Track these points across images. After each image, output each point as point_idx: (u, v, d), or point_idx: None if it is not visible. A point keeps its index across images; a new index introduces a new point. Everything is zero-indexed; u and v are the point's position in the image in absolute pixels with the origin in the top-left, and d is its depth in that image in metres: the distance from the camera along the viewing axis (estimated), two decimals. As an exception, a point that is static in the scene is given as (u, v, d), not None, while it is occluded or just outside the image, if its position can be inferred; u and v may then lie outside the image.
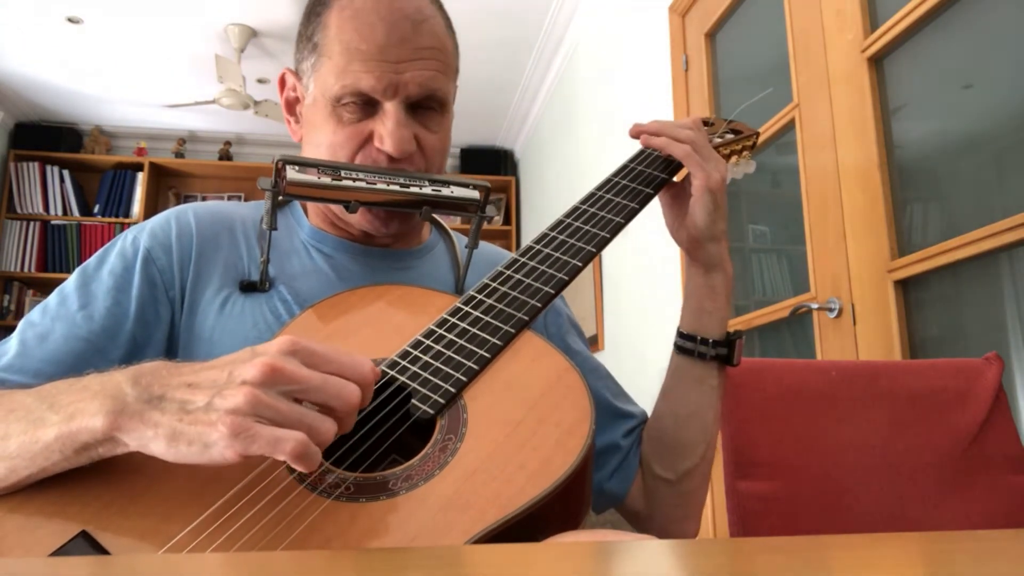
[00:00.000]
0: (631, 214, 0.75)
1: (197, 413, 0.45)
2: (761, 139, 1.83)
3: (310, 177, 0.68)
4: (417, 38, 0.72)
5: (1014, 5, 1.24)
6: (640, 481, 0.80)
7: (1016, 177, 1.24)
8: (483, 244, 0.85)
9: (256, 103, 3.86)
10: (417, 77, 0.72)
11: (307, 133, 0.78)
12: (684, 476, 0.77)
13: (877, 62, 1.48)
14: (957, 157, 1.39)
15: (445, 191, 0.73)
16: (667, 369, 0.80)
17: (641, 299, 2.50)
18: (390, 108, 0.72)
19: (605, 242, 0.72)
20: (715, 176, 0.74)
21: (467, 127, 4.67)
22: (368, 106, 0.72)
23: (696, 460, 0.77)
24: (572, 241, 0.72)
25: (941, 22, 1.36)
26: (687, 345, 0.78)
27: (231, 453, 0.44)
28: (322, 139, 0.74)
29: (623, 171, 0.80)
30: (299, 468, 0.45)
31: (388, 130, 0.71)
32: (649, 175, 0.78)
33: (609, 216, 0.74)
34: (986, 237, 1.19)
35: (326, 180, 0.69)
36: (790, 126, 1.75)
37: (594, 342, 2.90)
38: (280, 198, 0.70)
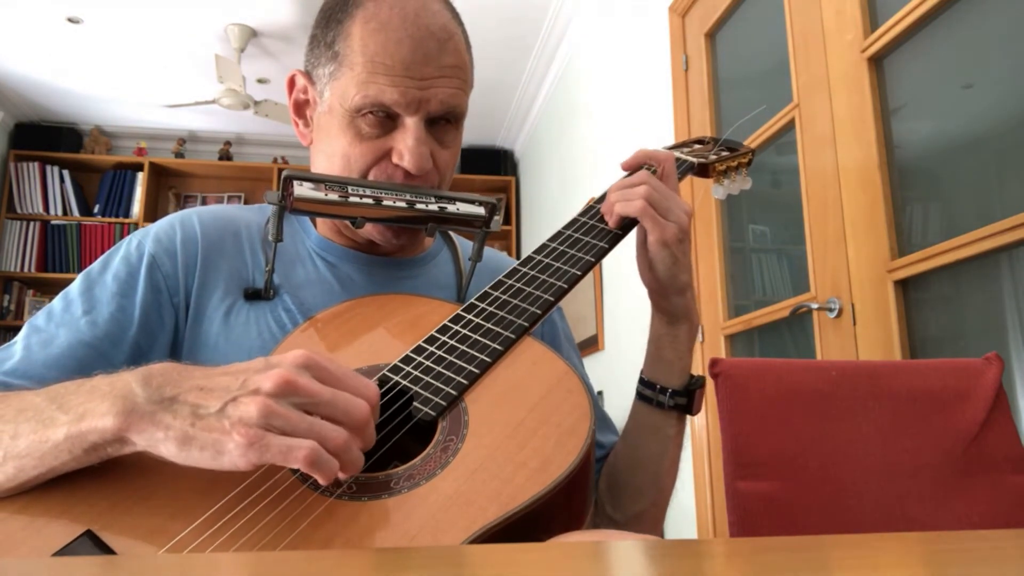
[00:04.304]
0: (630, 224, 0.75)
1: (209, 419, 0.46)
2: (761, 139, 1.84)
3: (317, 194, 0.68)
4: (442, 56, 0.71)
5: (1014, 5, 1.24)
6: (592, 514, 0.78)
7: (1016, 177, 1.24)
8: (486, 250, 0.85)
9: (256, 103, 3.86)
10: (440, 94, 0.71)
11: (319, 140, 0.77)
12: (632, 519, 0.76)
13: (877, 62, 1.49)
14: (957, 157, 1.39)
15: (451, 207, 0.73)
16: (630, 410, 0.79)
17: (641, 299, 2.49)
18: (411, 124, 0.71)
19: (604, 252, 0.73)
20: (670, 230, 0.71)
21: (467, 127, 4.62)
22: (387, 119, 0.72)
23: (645, 506, 0.76)
24: (571, 251, 0.73)
25: (941, 22, 1.36)
26: (646, 392, 0.76)
27: (244, 462, 0.45)
28: (336, 149, 0.73)
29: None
30: (315, 476, 0.46)
31: (408, 147, 0.71)
32: None
33: (607, 227, 0.75)
34: (986, 237, 1.19)
35: (333, 197, 0.69)
36: (790, 126, 1.75)
37: (594, 342, 2.90)
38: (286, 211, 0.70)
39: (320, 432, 0.46)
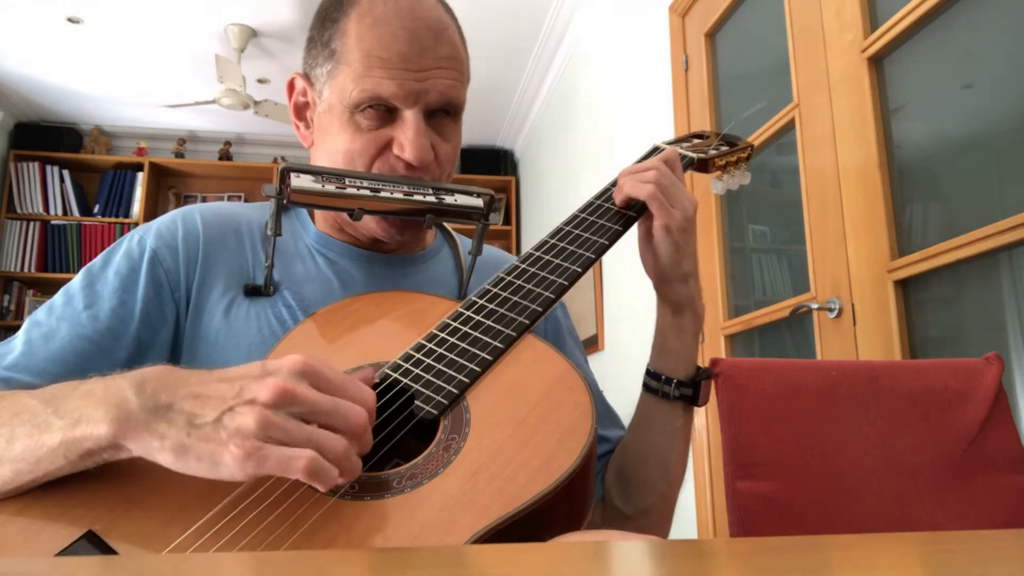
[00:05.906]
0: (630, 221, 0.75)
1: (206, 429, 0.45)
2: (761, 139, 1.84)
3: (314, 185, 0.68)
4: (437, 48, 0.72)
5: (1014, 5, 1.24)
6: (601, 509, 0.78)
7: (1016, 177, 1.24)
8: (486, 247, 0.85)
9: (256, 103, 3.86)
10: (438, 85, 0.72)
11: (320, 140, 0.77)
12: (641, 512, 0.76)
13: (877, 62, 1.49)
14: (957, 157, 1.39)
15: (449, 199, 0.73)
16: (637, 403, 0.79)
17: (641, 298, 2.50)
18: (410, 116, 0.71)
19: (604, 249, 0.73)
20: (676, 216, 0.72)
21: (467, 127, 4.58)
22: (387, 114, 0.72)
23: (654, 499, 0.76)
24: (572, 248, 0.72)
25: (941, 22, 1.37)
26: (652, 384, 0.77)
27: (241, 474, 0.45)
28: (338, 146, 0.74)
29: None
30: (315, 485, 0.45)
31: (409, 139, 0.71)
32: None
33: (607, 224, 0.75)
34: (986, 237, 1.19)
35: (330, 188, 0.69)
36: (790, 126, 1.75)
37: (594, 342, 2.90)
38: (284, 203, 0.70)
39: (319, 442, 0.46)
